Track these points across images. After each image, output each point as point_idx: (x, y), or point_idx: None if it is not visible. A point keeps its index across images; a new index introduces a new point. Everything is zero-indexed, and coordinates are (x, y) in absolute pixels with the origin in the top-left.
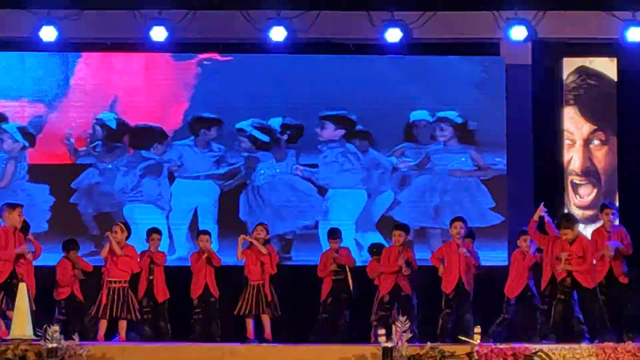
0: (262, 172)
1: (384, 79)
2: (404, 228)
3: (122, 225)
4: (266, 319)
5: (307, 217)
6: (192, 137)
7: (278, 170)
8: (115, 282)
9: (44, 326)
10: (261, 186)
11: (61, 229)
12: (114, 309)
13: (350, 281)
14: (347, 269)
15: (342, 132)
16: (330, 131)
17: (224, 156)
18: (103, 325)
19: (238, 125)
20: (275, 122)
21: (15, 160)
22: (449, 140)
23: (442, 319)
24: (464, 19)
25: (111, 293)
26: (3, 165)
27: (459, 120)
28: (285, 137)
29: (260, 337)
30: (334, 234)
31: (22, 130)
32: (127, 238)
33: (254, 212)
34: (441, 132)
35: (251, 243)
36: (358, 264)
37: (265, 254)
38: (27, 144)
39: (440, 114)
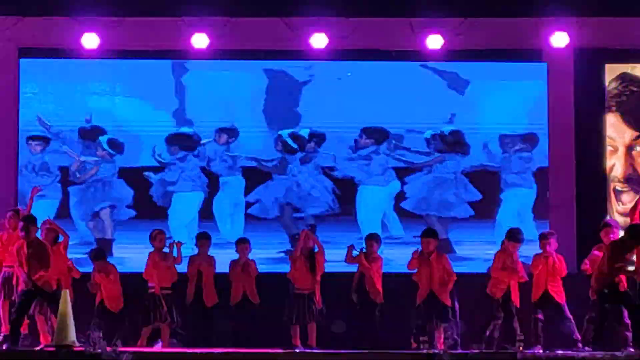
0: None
1: (424, 85)
2: (433, 234)
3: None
4: (312, 327)
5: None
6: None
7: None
8: (166, 287)
9: (87, 332)
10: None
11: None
12: (157, 315)
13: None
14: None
15: (372, 141)
16: (363, 140)
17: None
18: (146, 331)
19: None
20: (305, 132)
21: (101, 165)
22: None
23: (490, 326)
24: (505, 26)
25: (153, 299)
26: (90, 167)
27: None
28: (312, 144)
29: (304, 344)
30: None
31: (111, 141)
32: None
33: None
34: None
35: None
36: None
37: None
38: (113, 152)
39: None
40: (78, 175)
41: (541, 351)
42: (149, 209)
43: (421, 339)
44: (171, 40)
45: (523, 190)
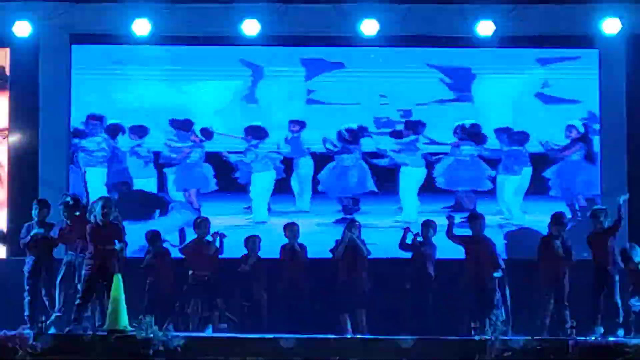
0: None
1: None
2: (481, 216)
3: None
4: (361, 313)
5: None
6: None
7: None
8: (203, 274)
9: (139, 317)
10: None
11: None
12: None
13: None
14: None
15: (412, 132)
16: (405, 131)
17: None
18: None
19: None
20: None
21: (193, 149)
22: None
23: (542, 312)
24: (556, 12)
25: (200, 285)
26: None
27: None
28: (350, 138)
29: (354, 330)
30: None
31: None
32: None
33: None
34: None
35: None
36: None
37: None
38: (204, 138)
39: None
40: (174, 156)
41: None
42: (233, 187)
43: (472, 325)
44: (222, 27)
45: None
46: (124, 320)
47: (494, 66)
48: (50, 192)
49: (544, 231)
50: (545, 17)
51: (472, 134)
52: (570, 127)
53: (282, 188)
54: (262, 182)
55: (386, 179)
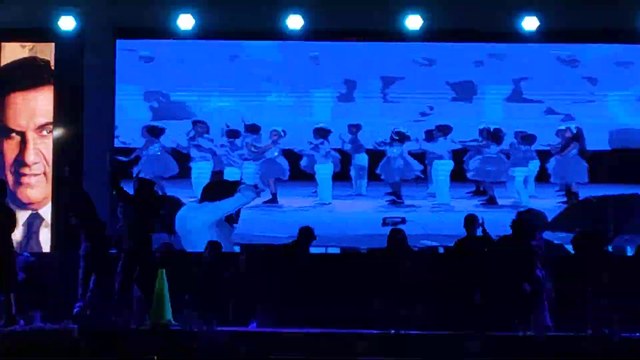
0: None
1: (519, 66)
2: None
3: None
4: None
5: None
6: None
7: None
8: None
9: (183, 311)
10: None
11: None
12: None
13: None
14: None
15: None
16: (435, 133)
17: None
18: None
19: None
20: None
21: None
22: None
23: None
24: (601, 6)
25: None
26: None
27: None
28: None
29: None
30: None
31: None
32: None
33: None
34: None
35: None
36: None
37: None
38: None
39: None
40: (254, 150)
41: None
42: (302, 176)
43: (516, 321)
44: (266, 21)
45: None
46: (168, 315)
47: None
48: (94, 187)
49: (546, 211)
50: (589, 12)
51: (495, 135)
52: (564, 130)
53: (342, 177)
54: (324, 171)
55: (422, 170)
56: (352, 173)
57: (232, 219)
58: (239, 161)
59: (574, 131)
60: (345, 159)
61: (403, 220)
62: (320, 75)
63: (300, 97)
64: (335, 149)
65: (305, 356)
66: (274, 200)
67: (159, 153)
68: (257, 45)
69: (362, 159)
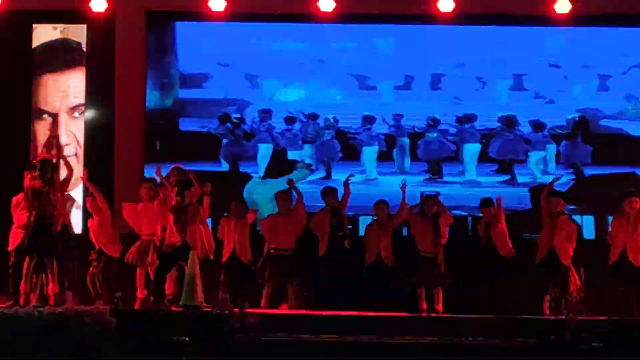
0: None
1: (549, 50)
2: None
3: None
4: (439, 291)
5: None
6: None
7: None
8: (279, 249)
9: (214, 293)
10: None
11: None
12: (279, 275)
13: None
14: None
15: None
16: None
17: None
18: (268, 290)
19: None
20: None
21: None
22: None
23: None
24: None
25: (275, 259)
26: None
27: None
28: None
29: (430, 309)
30: None
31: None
32: None
33: None
34: None
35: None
36: None
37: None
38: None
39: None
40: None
41: None
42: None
43: (545, 304)
44: (297, 4)
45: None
46: (200, 297)
47: None
48: (126, 168)
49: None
50: None
51: (509, 122)
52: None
53: (386, 157)
54: (370, 153)
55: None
56: (395, 154)
57: None
58: (299, 143)
59: (577, 119)
60: (390, 141)
61: (438, 194)
62: (364, 62)
63: (350, 84)
64: (381, 133)
65: (339, 337)
66: (328, 176)
67: (233, 137)
68: (289, 28)
69: (404, 141)
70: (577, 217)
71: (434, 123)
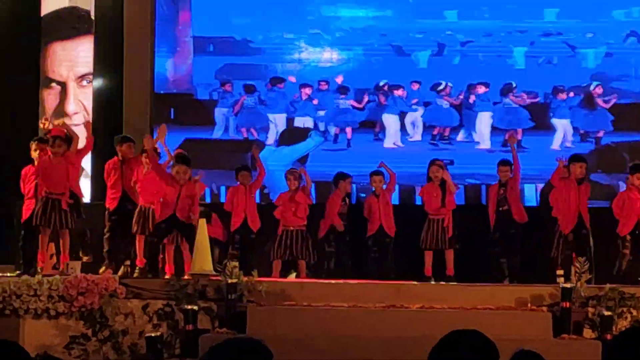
0: None
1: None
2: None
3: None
4: (449, 254)
5: None
6: None
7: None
8: (289, 227)
9: (224, 262)
10: None
11: None
12: (290, 250)
13: None
14: None
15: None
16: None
17: None
18: (277, 265)
19: None
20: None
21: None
22: None
23: (620, 260)
24: None
25: (287, 236)
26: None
27: None
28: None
29: (442, 274)
30: None
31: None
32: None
33: None
34: None
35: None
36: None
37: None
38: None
39: None
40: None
41: None
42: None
43: (557, 272)
44: None
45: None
46: (209, 265)
47: None
48: (135, 137)
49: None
50: None
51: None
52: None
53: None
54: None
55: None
56: (408, 121)
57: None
58: (313, 110)
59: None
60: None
61: (451, 162)
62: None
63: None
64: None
65: (349, 305)
66: (345, 144)
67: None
68: None
69: (416, 110)
70: None
71: (444, 90)
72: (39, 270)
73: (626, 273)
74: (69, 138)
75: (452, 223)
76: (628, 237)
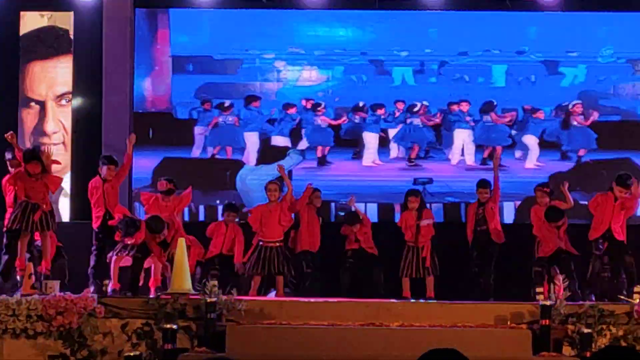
0: None
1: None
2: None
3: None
4: (429, 280)
5: None
6: None
7: None
8: (269, 242)
9: (203, 280)
10: None
11: None
12: (269, 266)
13: None
14: None
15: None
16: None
17: None
18: (256, 281)
19: None
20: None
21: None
22: None
23: (592, 262)
24: None
25: (264, 251)
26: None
27: None
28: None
29: (422, 295)
30: None
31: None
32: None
33: None
34: None
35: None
36: None
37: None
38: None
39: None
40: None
41: None
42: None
43: (537, 289)
44: None
45: None
46: (188, 284)
47: None
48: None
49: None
50: None
51: (487, 106)
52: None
53: (382, 144)
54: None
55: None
56: (391, 141)
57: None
58: (288, 129)
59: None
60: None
61: (430, 180)
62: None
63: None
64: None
65: (328, 323)
66: (322, 162)
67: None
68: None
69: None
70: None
71: (420, 110)
72: (19, 280)
73: (604, 285)
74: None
75: (431, 248)
76: (601, 240)
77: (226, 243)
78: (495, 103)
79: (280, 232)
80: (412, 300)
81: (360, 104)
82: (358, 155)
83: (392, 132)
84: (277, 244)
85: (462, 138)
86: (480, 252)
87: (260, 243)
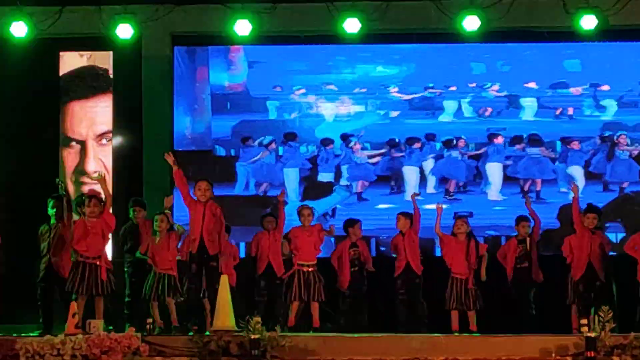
0: None
1: (576, 65)
2: (597, 210)
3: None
4: (472, 314)
5: None
6: None
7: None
8: (305, 265)
9: (247, 317)
10: None
11: None
12: (304, 293)
13: None
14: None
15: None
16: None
17: None
18: (294, 308)
19: None
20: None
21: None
22: None
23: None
24: None
25: (300, 276)
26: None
27: None
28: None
29: (466, 328)
30: None
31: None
32: None
33: None
34: None
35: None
36: None
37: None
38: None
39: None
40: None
41: None
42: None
43: (581, 322)
44: (322, 26)
45: None
46: (231, 321)
47: None
48: (155, 195)
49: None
50: None
51: (533, 140)
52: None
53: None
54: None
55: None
56: (428, 174)
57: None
58: (329, 165)
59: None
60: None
61: (471, 214)
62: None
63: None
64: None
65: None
66: (361, 197)
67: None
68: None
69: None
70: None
71: (457, 143)
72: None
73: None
74: (102, 200)
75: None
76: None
77: (272, 253)
78: (527, 136)
79: (314, 255)
80: (457, 335)
81: (397, 140)
82: (399, 190)
83: (428, 166)
84: (312, 268)
85: (499, 171)
86: (519, 290)
87: (296, 266)
